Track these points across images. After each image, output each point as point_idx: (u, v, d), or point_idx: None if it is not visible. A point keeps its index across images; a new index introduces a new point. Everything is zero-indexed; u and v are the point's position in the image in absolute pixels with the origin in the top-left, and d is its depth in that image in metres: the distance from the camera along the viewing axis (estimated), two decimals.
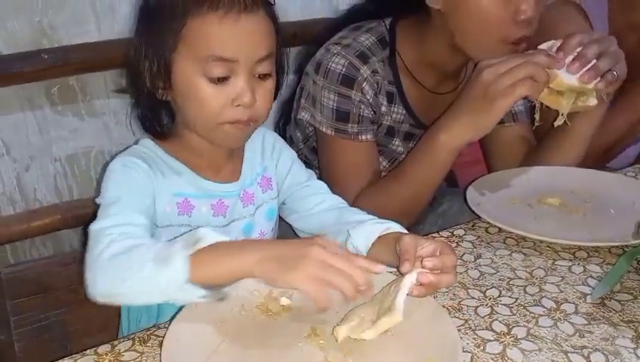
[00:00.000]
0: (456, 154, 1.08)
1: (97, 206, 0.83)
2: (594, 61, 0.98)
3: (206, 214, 0.93)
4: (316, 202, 1.00)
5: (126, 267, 0.71)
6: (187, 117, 0.89)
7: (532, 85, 0.97)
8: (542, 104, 1.05)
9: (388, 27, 1.22)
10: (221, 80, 0.83)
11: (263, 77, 0.86)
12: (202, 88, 0.83)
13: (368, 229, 0.89)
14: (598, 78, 0.99)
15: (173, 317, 0.75)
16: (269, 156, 1.02)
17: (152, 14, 0.86)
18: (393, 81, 1.22)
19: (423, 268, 0.76)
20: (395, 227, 0.88)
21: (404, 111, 1.25)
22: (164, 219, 0.90)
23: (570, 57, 0.99)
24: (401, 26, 1.22)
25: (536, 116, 1.08)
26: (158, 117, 0.92)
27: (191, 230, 0.76)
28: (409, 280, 0.74)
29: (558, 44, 1.01)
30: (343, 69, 1.15)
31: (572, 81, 0.99)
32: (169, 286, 0.70)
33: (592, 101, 1.03)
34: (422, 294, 0.76)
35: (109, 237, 0.74)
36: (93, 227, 0.78)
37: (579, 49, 0.99)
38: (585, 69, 0.98)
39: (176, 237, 0.75)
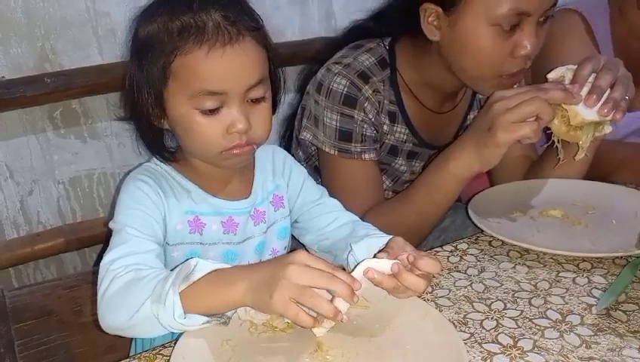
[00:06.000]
0: (464, 183, 1.07)
1: (110, 230, 0.85)
2: (608, 90, 0.98)
3: (217, 232, 0.93)
4: (330, 220, 1.00)
5: (127, 305, 0.74)
6: (187, 147, 0.89)
7: (538, 129, 0.95)
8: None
9: (387, 47, 1.22)
10: (213, 111, 0.83)
11: (257, 101, 0.85)
12: (196, 120, 0.83)
13: (369, 242, 0.89)
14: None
15: (179, 336, 0.75)
16: (280, 174, 1.01)
17: (142, 49, 0.85)
18: (395, 101, 1.22)
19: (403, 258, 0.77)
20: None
21: (406, 130, 1.25)
22: (175, 237, 0.90)
23: (585, 89, 0.98)
24: (401, 46, 1.23)
25: (560, 156, 1.08)
26: (161, 142, 0.92)
27: (187, 259, 0.75)
28: (373, 261, 0.75)
29: (569, 74, 1.00)
30: (345, 89, 1.16)
31: (592, 116, 0.98)
32: (169, 322, 0.72)
33: (608, 129, 1.03)
34: (380, 281, 0.75)
35: (112, 273, 0.77)
36: (103, 261, 0.79)
37: (591, 78, 0.99)
38: (602, 102, 0.97)
39: (173, 269, 0.76)
